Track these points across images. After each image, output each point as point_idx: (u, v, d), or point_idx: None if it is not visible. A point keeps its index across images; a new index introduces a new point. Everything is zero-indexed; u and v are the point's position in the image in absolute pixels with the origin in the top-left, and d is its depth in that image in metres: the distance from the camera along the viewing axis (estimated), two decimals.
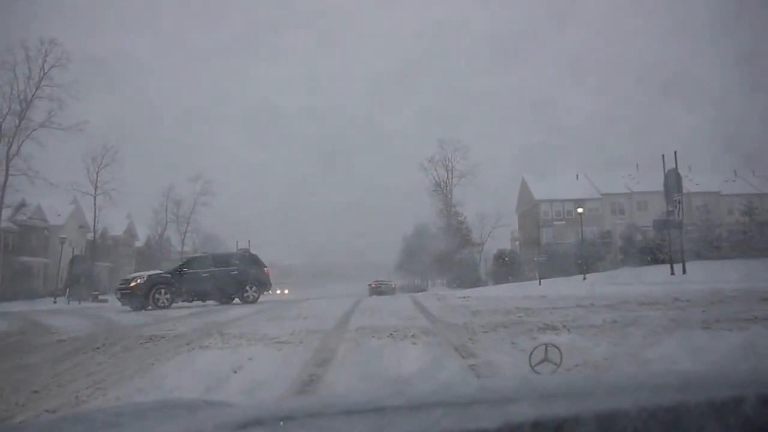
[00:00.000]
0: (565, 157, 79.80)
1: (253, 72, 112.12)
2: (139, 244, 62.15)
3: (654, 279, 19.72)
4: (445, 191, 52.20)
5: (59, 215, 46.28)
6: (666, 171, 22.84)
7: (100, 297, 31.93)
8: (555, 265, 34.55)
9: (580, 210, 32.89)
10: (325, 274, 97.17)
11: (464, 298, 16.11)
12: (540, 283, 27.39)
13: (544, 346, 4.02)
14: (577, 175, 52.44)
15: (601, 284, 20.47)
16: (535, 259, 29.95)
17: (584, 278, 27.91)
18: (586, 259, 30.25)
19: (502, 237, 58.80)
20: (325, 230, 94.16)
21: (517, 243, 55.72)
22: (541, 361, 3.95)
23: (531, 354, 3.94)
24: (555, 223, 48.89)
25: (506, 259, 38.68)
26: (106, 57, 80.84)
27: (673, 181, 22.54)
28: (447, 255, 48.98)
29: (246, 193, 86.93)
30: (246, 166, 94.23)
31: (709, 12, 75.85)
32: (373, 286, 39.28)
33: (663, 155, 23.20)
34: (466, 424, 0.86)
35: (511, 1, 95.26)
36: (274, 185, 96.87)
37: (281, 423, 0.96)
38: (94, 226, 41.07)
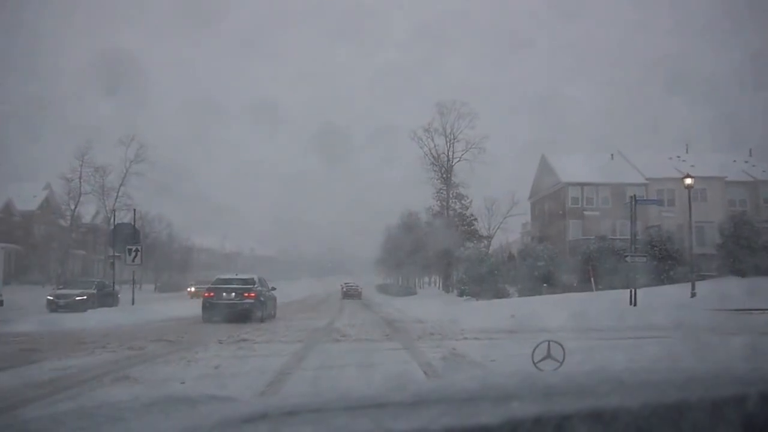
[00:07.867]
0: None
1: (255, 66, 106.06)
2: (65, 223, 50.89)
3: None
4: (444, 167, 40.40)
5: None
6: None
7: None
8: (608, 268, 23.53)
9: (688, 181, 21.44)
10: (300, 267, 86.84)
11: None
12: (634, 302, 16.14)
13: (546, 343, 4.01)
14: (612, 155, 41.33)
15: None
16: (627, 260, 18.67)
17: (693, 294, 16.84)
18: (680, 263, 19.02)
19: (510, 229, 47.88)
20: (307, 221, 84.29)
21: (531, 238, 44.63)
22: (544, 358, 3.98)
23: (534, 351, 3.98)
24: (586, 213, 37.80)
25: (539, 259, 26.75)
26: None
27: None
28: (444, 250, 37.64)
29: (223, 178, 78.23)
30: (222, 149, 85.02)
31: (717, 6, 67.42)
32: (344, 289, 38.41)
33: None
34: (467, 420, 0.85)
35: None
36: (262, 176, 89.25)
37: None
38: None
